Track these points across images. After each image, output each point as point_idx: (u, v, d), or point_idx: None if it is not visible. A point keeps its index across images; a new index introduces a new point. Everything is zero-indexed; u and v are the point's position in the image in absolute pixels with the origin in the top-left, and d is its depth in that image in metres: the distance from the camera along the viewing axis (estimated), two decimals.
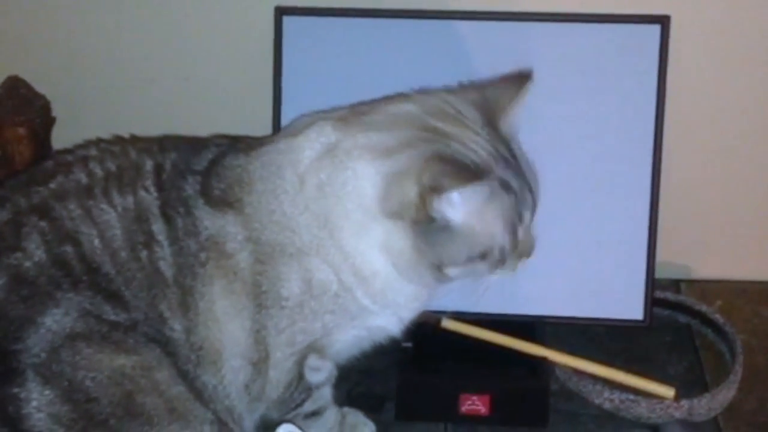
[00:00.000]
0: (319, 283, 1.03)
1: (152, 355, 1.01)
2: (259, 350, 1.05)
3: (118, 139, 1.11)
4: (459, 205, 0.97)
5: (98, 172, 1.05)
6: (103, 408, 0.99)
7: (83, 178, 1.05)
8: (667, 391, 1.23)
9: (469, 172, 0.96)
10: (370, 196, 1.00)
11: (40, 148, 1.34)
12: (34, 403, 0.98)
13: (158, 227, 1.03)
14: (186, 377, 1.03)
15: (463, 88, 1.07)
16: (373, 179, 0.99)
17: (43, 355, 0.98)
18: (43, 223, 1.02)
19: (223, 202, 1.04)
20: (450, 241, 0.98)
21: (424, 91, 1.06)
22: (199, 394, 1.04)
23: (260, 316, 1.04)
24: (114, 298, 1.01)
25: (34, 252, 1.01)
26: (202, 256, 1.03)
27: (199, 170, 1.06)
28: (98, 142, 1.11)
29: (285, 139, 1.07)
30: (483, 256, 1.00)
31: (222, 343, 1.04)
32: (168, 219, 1.04)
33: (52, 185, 1.04)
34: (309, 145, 1.04)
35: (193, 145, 1.09)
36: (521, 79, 1.06)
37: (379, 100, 1.07)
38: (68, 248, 1.01)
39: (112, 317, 1.00)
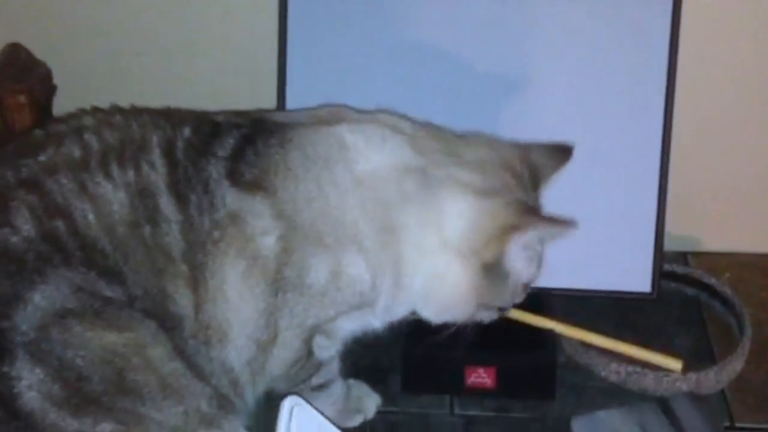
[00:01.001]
0: (349, 277, 1.04)
1: (147, 331, 0.99)
2: (268, 332, 1.04)
3: (117, 110, 1.07)
4: (529, 247, 1.06)
5: (94, 144, 1.02)
6: (95, 386, 0.98)
7: (76, 151, 1.01)
8: (675, 364, 1.22)
9: (543, 218, 1.07)
10: (453, 229, 1.05)
11: (42, 117, 1.32)
12: (25, 382, 0.96)
13: (166, 203, 1.01)
14: (183, 353, 1.01)
15: (514, 146, 1.11)
16: (463, 215, 1.05)
17: (32, 333, 0.96)
18: (32, 198, 0.99)
19: (255, 185, 1.02)
20: (504, 285, 1.07)
21: (493, 139, 1.11)
22: (198, 370, 1.02)
23: (276, 299, 1.03)
24: (109, 273, 0.99)
25: (22, 227, 0.98)
26: (216, 234, 1.01)
27: (224, 156, 1.03)
28: (94, 111, 1.07)
29: (326, 130, 1.05)
30: (503, 308, 1.12)
31: (230, 323, 1.02)
32: (179, 195, 1.01)
33: (42, 158, 1.01)
34: (373, 151, 1.05)
35: (210, 124, 1.06)
36: (564, 153, 1.13)
37: (446, 131, 1.10)
38: (59, 223, 0.98)
39: (107, 293, 0.98)
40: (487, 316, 1.11)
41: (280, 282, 1.03)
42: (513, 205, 1.06)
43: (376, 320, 1.11)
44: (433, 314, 1.11)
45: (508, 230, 1.04)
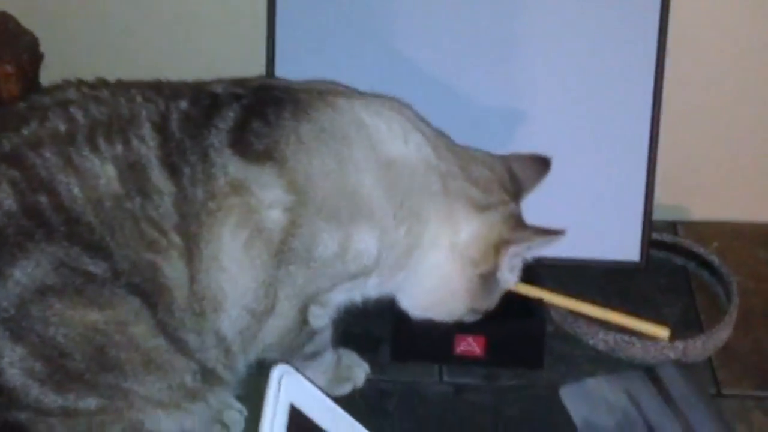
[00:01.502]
0: (356, 252, 1.04)
1: (129, 309, 0.98)
2: (266, 302, 1.04)
3: (103, 84, 1.05)
4: (518, 256, 1.10)
5: (80, 118, 1.00)
6: (77, 363, 0.97)
7: (62, 125, 0.99)
8: (662, 332, 1.23)
9: (537, 231, 1.11)
10: (461, 237, 1.09)
11: (29, 86, 1.31)
12: (7, 359, 0.96)
13: (158, 175, 0.99)
14: (166, 329, 1.00)
15: (501, 159, 1.15)
16: (469, 227, 1.09)
17: (11, 310, 0.95)
18: (14, 172, 0.97)
19: (264, 156, 1.01)
20: (493, 292, 1.12)
21: (486, 154, 1.14)
22: (182, 345, 1.02)
23: (277, 271, 1.02)
24: (94, 247, 0.97)
25: (3, 202, 0.96)
26: (212, 204, 0.99)
27: (226, 127, 1.01)
28: (79, 85, 1.05)
29: (341, 108, 1.05)
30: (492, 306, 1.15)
31: (225, 294, 1.01)
32: (172, 168, 0.99)
33: (25, 132, 0.99)
34: (399, 139, 1.06)
35: (208, 95, 1.04)
36: (543, 165, 1.17)
37: (452, 141, 1.13)
38: (42, 198, 0.97)
39: (90, 268, 0.97)
40: (471, 317, 1.15)
41: (285, 254, 1.02)
42: (509, 220, 1.10)
43: (365, 292, 1.11)
44: (419, 308, 1.13)
45: (504, 244, 1.09)
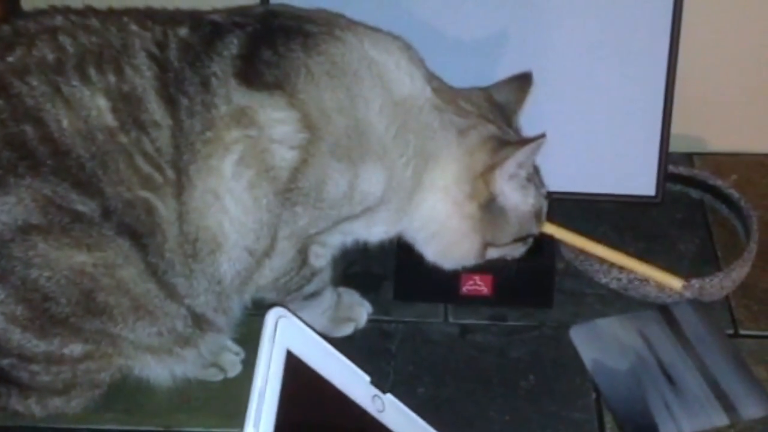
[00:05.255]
0: (363, 192, 1.02)
1: (118, 251, 0.94)
2: (267, 242, 1.00)
3: (92, 12, 1.00)
4: (514, 177, 1.05)
5: (69, 47, 0.95)
6: (61, 308, 0.94)
7: (49, 54, 0.94)
8: (676, 282, 1.18)
9: (517, 141, 1.07)
10: (448, 171, 1.06)
11: (9, 8, 1.25)
12: None
13: (155, 107, 0.94)
14: (156, 274, 0.97)
15: (480, 91, 1.12)
16: (451, 158, 1.06)
17: None
18: None
19: (274, 86, 0.96)
20: (505, 220, 1.07)
21: (470, 89, 1.12)
22: (171, 290, 0.98)
23: (281, 210, 0.99)
24: (84, 185, 0.93)
25: None
26: (209, 134, 0.95)
27: (229, 55, 0.97)
28: (66, 12, 0.99)
29: (349, 43, 1.01)
30: (522, 239, 1.10)
31: (226, 235, 0.97)
32: (169, 99, 0.94)
33: (10, 59, 0.94)
34: (407, 77, 1.03)
35: (208, 23, 0.99)
36: (524, 81, 1.13)
37: (447, 85, 1.10)
38: (28, 128, 0.92)
39: (78, 207, 0.93)
40: (503, 252, 1.10)
41: (291, 192, 0.99)
42: (488, 142, 1.06)
43: (371, 238, 1.10)
44: (438, 254, 1.10)
45: (489, 170, 1.05)
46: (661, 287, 1.19)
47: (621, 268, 1.20)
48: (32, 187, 0.91)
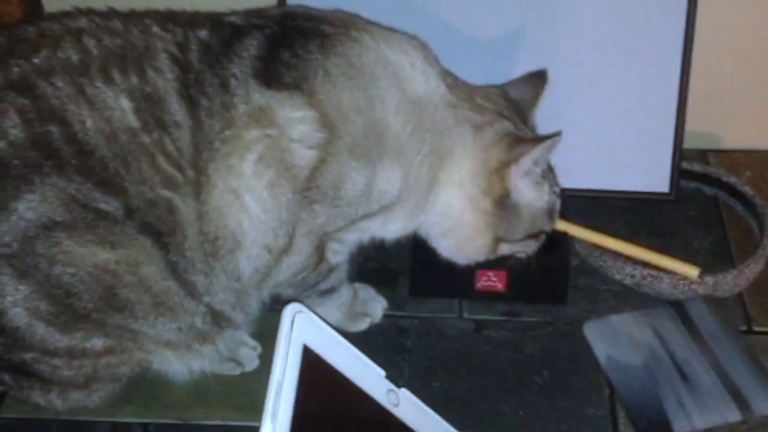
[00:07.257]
0: (380, 191, 1.03)
1: (140, 249, 0.96)
2: (285, 240, 1.01)
3: (114, 14, 1.01)
4: (529, 173, 1.06)
5: (93, 49, 0.96)
6: (84, 303, 0.95)
7: (74, 55, 0.95)
8: (692, 271, 1.19)
9: (533, 138, 1.08)
10: (463, 168, 1.07)
11: (31, 9, 1.26)
12: (10, 298, 0.94)
13: (177, 108, 0.95)
14: (176, 271, 0.98)
15: (495, 90, 1.12)
16: (466, 155, 1.07)
17: (14, 245, 0.93)
18: (23, 100, 0.93)
19: (293, 87, 0.97)
20: (518, 217, 1.08)
21: (486, 87, 1.12)
22: (191, 288, 1.00)
23: (300, 208, 1.00)
24: (107, 184, 0.94)
25: (9, 131, 0.92)
26: (228, 133, 0.96)
27: (248, 56, 0.98)
28: (89, 14, 1.01)
29: (366, 44, 1.02)
30: (535, 235, 1.11)
31: (245, 233, 0.98)
32: (190, 100, 0.96)
33: (36, 60, 0.95)
34: (422, 76, 1.04)
35: (227, 25, 1.01)
36: (539, 79, 1.14)
37: (461, 82, 1.11)
38: (53, 128, 0.93)
39: (102, 205, 0.94)
40: (514, 249, 1.11)
41: (310, 191, 1.00)
42: (503, 139, 1.07)
43: (389, 235, 1.11)
44: (452, 249, 1.11)
45: (504, 166, 1.05)
46: (674, 283, 1.19)
47: (635, 264, 1.20)
48: (57, 186, 0.93)
